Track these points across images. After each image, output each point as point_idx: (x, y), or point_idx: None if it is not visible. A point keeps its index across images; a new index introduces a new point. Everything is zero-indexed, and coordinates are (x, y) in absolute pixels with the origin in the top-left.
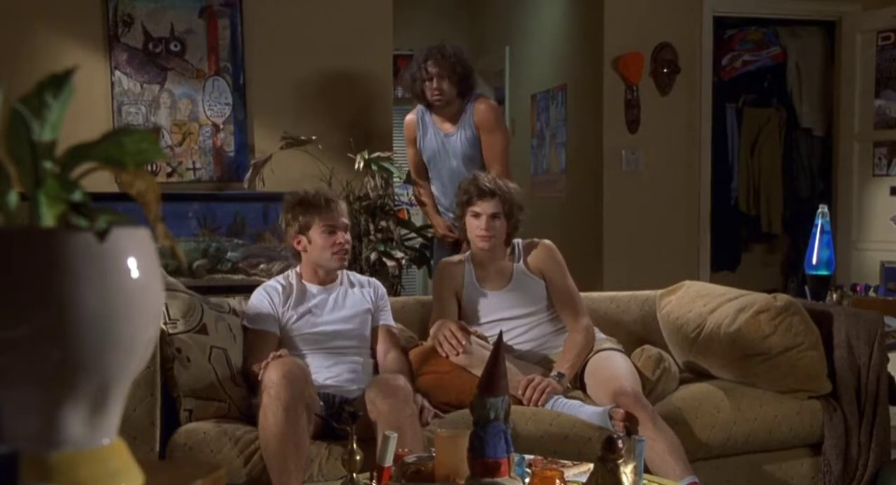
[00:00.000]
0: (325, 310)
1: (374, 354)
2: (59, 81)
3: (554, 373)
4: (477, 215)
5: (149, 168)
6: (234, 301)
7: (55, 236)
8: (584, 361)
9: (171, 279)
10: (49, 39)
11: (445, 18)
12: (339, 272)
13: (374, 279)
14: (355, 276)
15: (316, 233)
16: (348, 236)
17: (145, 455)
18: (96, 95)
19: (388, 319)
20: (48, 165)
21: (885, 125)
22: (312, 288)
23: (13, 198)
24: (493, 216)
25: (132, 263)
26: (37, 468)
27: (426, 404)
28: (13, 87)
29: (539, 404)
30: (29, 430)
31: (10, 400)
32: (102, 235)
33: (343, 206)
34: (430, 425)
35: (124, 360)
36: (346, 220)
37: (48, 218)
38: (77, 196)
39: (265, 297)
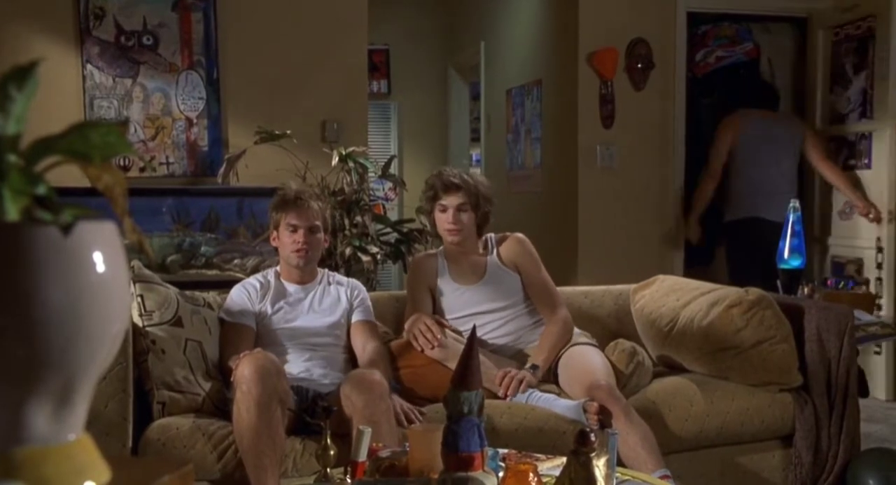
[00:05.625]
0: (301, 309)
1: (347, 350)
2: (23, 74)
3: (528, 365)
4: (444, 209)
5: (121, 162)
6: (208, 295)
7: (19, 230)
8: (558, 353)
9: (148, 272)
10: (19, 32)
11: (420, 13)
12: (319, 271)
13: (354, 280)
14: (335, 276)
15: (283, 230)
16: (319, 236)
17: (117, 451)
18: (68, 89)
19: (367, 315)
20: (12, 158)
21: (835, 120)
22: (290, 287)
23: None
24: (460, 209)
25: (98, 257)
26: (1, 465)
27: (404, 404)
28: None
29: (514, 393)
30: None
31: None
32: (67, 228)
33: (315, 206)
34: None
35: (90, 355)
36: (315, 221)
37: (12, 212)
38: (41, 190)
39: (243, 292)
